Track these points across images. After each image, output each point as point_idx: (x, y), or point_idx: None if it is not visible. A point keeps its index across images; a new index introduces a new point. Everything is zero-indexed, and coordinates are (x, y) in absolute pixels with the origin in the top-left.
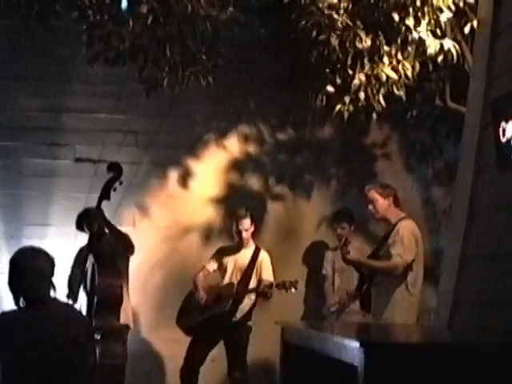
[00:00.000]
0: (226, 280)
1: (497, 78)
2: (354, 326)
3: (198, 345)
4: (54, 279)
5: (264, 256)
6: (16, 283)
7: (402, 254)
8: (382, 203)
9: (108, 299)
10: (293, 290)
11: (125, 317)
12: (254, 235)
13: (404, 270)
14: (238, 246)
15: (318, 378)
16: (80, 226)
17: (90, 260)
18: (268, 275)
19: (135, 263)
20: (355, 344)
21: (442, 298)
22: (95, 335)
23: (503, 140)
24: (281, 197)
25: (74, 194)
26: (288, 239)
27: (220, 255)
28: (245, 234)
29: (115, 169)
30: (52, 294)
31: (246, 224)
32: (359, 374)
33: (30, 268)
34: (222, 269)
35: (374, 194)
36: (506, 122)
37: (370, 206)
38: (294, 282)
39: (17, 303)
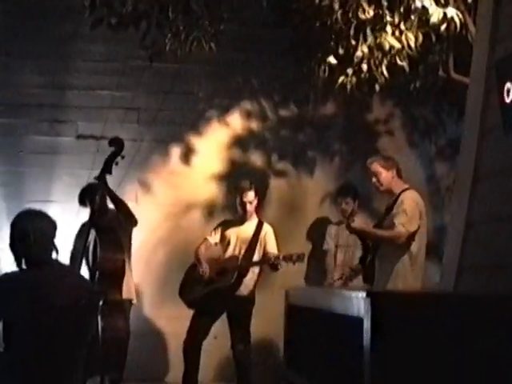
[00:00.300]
0: (229, 253)
1: (500, 41)
2: (357, 287)
3: (202, 318)
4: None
5: (267, 229)
6: (18, 245)
7: (405, 223)
8: (385, 175)
9: (110, 273)
10: (299, 263)
11: (127, 292)
12: (257, 209)
13: (407, 241)
14: (240, 220)
15: (323, 339)
16: (82, 201)
17: (92, 234)
18: (272, 248)
19: (138, 240)
20: (361, 295)
21: (447, 263)
22: (98, 300)
23: (508, 101)
24: (284, 173)
25: (76, 171)
26: (291, 215)
27: (222, 228)
28: (249, 207)
29: (117, 143)
30: (54, 256)
31: (251, 196)
32: (365, 325)
33: (32, 230)
34: (224, 242)
35: (376, 167)
36: (511, 82)
37: (374, 179)
38: (301, 254)
39: (19, 265)
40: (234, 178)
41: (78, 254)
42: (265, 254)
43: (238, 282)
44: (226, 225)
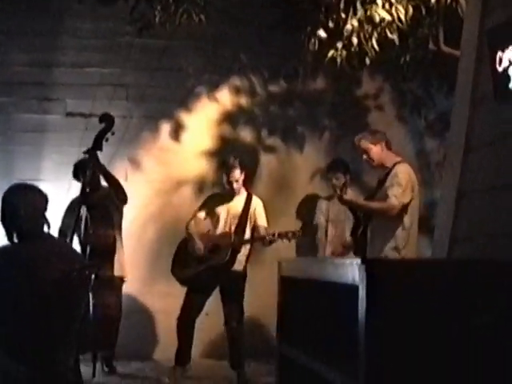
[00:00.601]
0: (220, 229)
1: (492, 9)
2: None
3: (195, 295)
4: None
5: (257, 202)
6: (9, 219)
7: (398, 195)
8: (375, 150)
9: (101, 249)
10: (294, 239)
11: (119, 269)
12: (246, 182)
13: (399, 214)
14: (229, 194)
15: (317, 310)
16: (76, 175)
17: (83, 210)
18: (262, 222)
19: (129, 217)
20: (356, 262)
21: (439, 234)
22: (90, 273)
23: (499, 69)
24: (273, 149)
25: (65, 149)
26: (281, 191)
27: (211, 203)
28: (235, 185)
29: (107, 119)
30: (46, 229)
31: (237, 174)
32: (360, 293)
33: (23, 203)
34: (214, 217)
35: (365, 144)
36: (503, 51)
37: (365, 156)
38: (296, 231)
39: (10, 240)
40: (224, 154)
41: (66, 229)
42: (255, 228)
43: (232, 259)
44: (214, 199)
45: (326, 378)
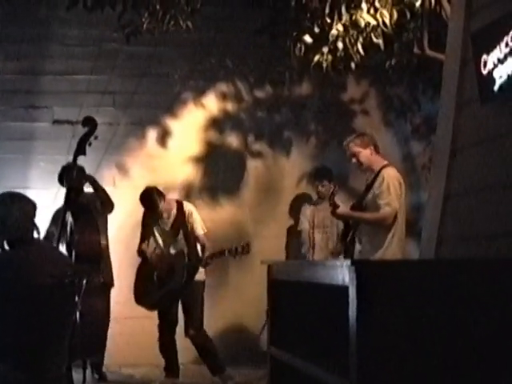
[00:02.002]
0: (164, 243)
1: (476, 12)
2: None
3: (166, 315)
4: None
5: (189, 209)
6: None
7: (389, 202)
8: (363, 154)
9: (87, 255)
10: (246, 255)
11: (106, 275)
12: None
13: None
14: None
15: (308, 312)
16: (61, 180)
17: (68, 216)
18: (200, 229)
19: (117, 223)
20: (346, 263)
21: (426, 235)
22: (82, 278)
23: (484, 72)
24: (260, 154)
25: (52, 157)
26: (268, 196)
27: (150, 221)
28: (165, 215)
29: (90, 123)
30: (35, 235)
31: (162, 208)
32: (351, 294)
33: (10, 212)
34: (155, 234)
35: (353, 148)
36: (487, 53)
37: (353, 160)
38: (245, 245)
39: (1, 247)
40: (211, 159)
41: (51, 238)
42: (194, 238)
43: (189, 278)
44: (151, 216)
45: (319, 379)
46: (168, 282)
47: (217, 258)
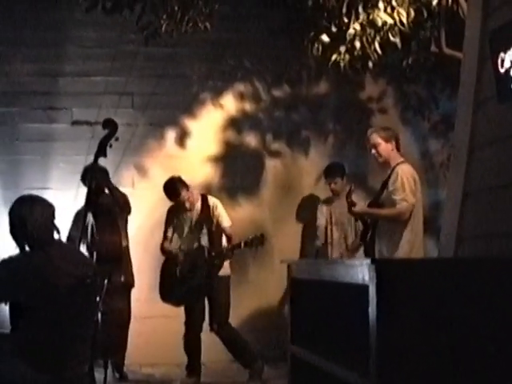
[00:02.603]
0: (190, 242)
1: (494, 11)
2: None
3: (192, 311)
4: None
5: (214, 202)
6: (19, 230)
7: (405, 197)
8: (383, 147)
9: (108, 256)
10: (260, 246)
11: (128, 275)
12: (197, 190)
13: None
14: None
15: (328, 310)
16: (84, 178)
17: (90, 217)
18: (225, 222)
19: (136, 224)
20: (366, 262)
21: (445, 234)
22: (103, 278)
23: (502, 71)
24: (278, 153)
25: (72, 158)
26: (287, 195)
27: (173, 217)
28: (187, 205)
29: (110, 125)
30: (56, 236)
31: (184, 196)
32: (371, 292)
33: (30, 215)
34: (178, 232)
35: (376, 138)
36: (505, 52)
37: (373, 151)
38: (260, 236)
39: (22, 249)
40: (229, 159)
41: (74, 240)
42: (221, 230)
43: (212, 274)
44: (175, 213)
45: (338, 378)
46: (191, 277)
47: (236, 251)
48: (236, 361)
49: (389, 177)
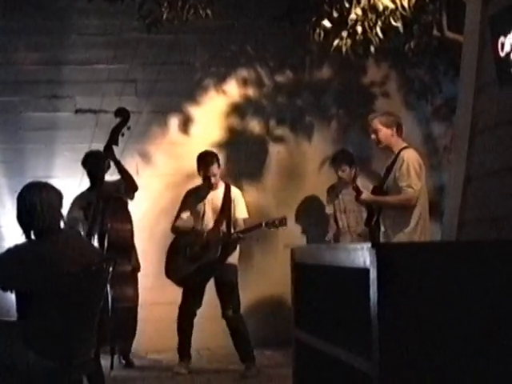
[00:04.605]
0: (205, 224)
1: None
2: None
3: (192, 294)
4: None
5: (236, 193)
6: (26, 217)
7: (411, 184)
8: (384, 132)
9: (119, 243)
10: (283, 227)
11: (134, 260)
12: (223, 175)
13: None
14: (207, 188)
15: (330, 295)
16: (85, 164)
17: (100, 204)
18: (242, 213)
19: (141, 211)
20: (367, 246)
21: (447, 218)
22: (108, 266)
23: (502, 55)
24: (282, 139)
25: (76, 146)
26: (291, 181)
27: (191, 200)
28: (213, 180)
29: (122, 113)
30: (62, 225)
31: (214, 169)
32: (371, 276)
33: (39, 201)
34: (196, 213)
35: (376, 124)
36: (505, 36)
37: (373, 136)
38: (282, 218)
39: (28, 236)
40: (233, 145)
41: (75, 223)
42: (234, 220)
43: (223, 254)
44: (193, 195)
45: (342, 361)
46: (202, 256)
47: (250, 232)
48: (236, 351)
49: (393, 162)
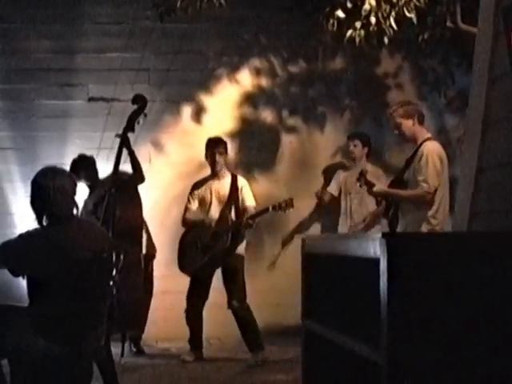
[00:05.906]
0: (213, 214)
1: None
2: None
3: (201, 284)
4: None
5: (243, 183)
6: (39, 202)
7: (427, 179)
8: (405, 125)
9: (129, 232)
10: (290, 209)
11: (148, 246)
12: (228, 164)
13: (432, 196)
14: (214, 177)
15: (341, 285)
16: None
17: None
18: (250, 202)
19: (152, 199)
20: (377, 236)
21: (459, 209)
22: (119, 253)
23: None
24: (294, 129)
25: (88, 134)
26: (303, 171)
27: (198, 191)
28: (218, 158)
29: (140, 101)
30: (75, 212)
31: (221, 148)
32: (382, 266)
33: (53, 187)
34: (204, 204)
35: (396, 118)
36: None
37: (396, 131)
38: (288, 200)
39: (40, 223)
40: (246, 135)
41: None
42: (244, 209)
43: (233, 242)
44: (200, 187)
45: (351, 351)
46: (212, 246)
47: (259, 217)
48: (244, 341)
49: (414, 154)
